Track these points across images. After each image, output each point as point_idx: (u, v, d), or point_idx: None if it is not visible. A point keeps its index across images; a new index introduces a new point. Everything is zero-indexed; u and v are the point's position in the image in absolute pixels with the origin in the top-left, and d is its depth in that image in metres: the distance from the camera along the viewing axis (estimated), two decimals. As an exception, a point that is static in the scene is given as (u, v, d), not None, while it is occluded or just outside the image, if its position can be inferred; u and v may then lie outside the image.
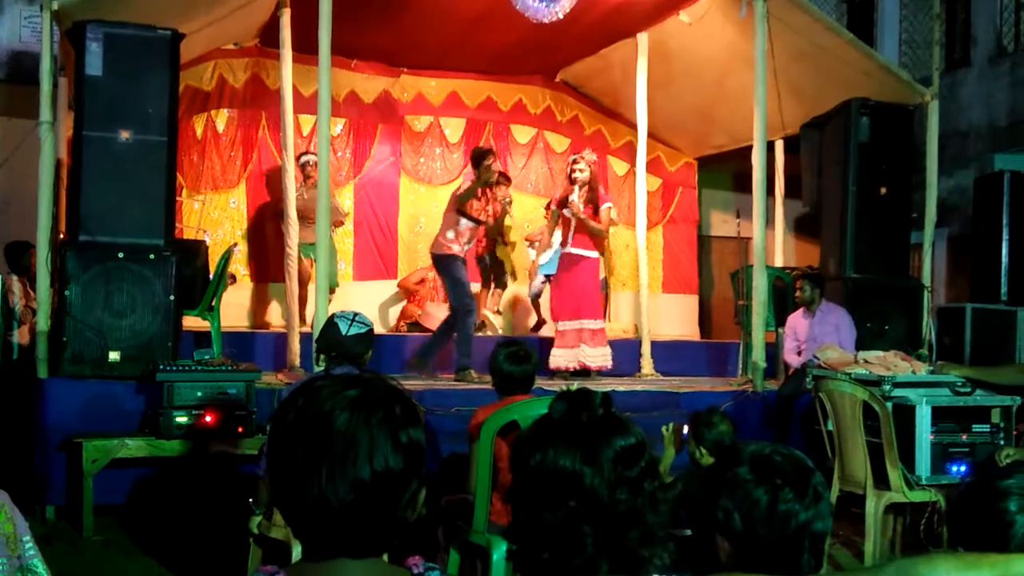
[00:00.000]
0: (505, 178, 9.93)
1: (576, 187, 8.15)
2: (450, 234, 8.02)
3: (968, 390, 5.74)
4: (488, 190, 8.67)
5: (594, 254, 8.28)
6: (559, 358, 8.14)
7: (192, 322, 7.54)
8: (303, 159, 8.97)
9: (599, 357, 8.19)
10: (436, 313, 9.77)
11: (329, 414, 1.46)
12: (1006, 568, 1.81)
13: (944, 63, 9.85)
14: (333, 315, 4.51)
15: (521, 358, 4.44)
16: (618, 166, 11.31)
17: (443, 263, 8.11)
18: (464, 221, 8.05)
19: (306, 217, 8.16)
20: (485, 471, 4.24)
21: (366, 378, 1.54)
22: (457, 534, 4.41)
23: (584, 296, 8.23)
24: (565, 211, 8.21)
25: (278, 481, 1.50)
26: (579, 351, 8.12)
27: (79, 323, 6.34)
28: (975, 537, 1.99)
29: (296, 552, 4.04)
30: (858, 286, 8.32)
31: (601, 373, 8.18)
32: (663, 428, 4.35)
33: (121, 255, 6.45)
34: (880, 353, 6.41)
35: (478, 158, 8.26)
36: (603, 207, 8.15)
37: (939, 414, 5.53)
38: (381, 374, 1.59)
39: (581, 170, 8.15)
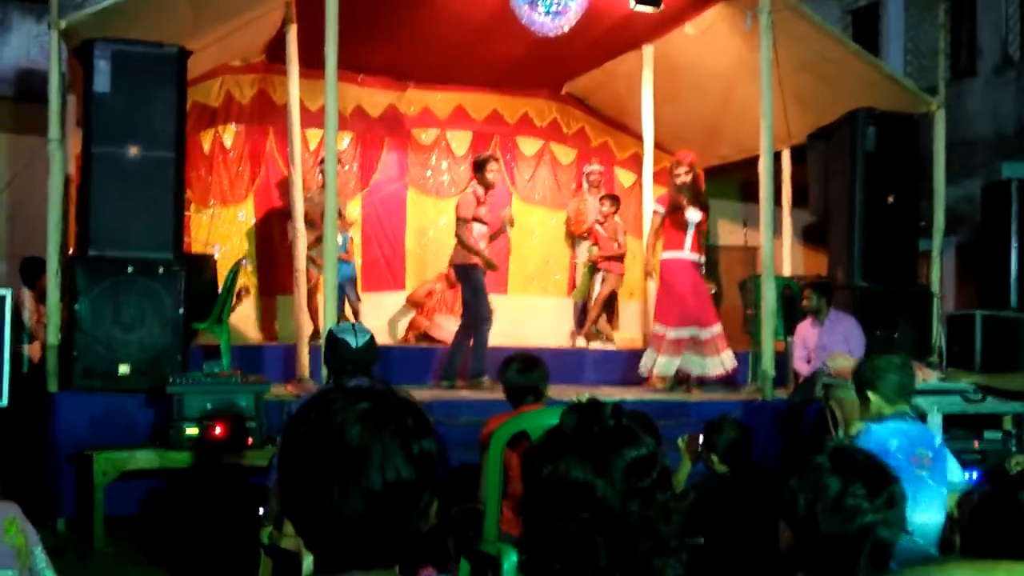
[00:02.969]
0: (613, 199, 10.06)
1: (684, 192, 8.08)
2: (468, 238, 8.10)
3: (979, 397, 5.74)
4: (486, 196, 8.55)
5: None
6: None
7: (201, 336, 7.56)
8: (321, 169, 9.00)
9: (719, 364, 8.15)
10: (445, 324, 9.79)
11: (341, 426, 1.47)
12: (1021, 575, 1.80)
13: (950, 72, 9.86)
14: (332, 331, 4.48)
15: (527, 368, 4.44)
16: (625, 177, 11.32)
17: (465, 272, 8.19)
18: (477, 227, 8.12)
19: (314, 221, 8.18)
20: (495, 481, 4.23)
21: (378, 390, 1.54)
22: (468, 544, 4.40)
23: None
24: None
25: (290, 492, 1.51)
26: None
27: (89, 337, 6.36)
28: (997, 549, 1.97)
29: (307, 563, 4.04)
30: (867, 294, 8.31)
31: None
32: (679, 440, 4.33)
33: (130, 269, 6.48)
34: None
35: (480, 164, 8.31)
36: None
37: (950, 421, 5.53)
38: (392, 385, 1.60)
39: (679, 175, 8.12)
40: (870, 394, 3.83)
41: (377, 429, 1.46)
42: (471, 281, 8.13)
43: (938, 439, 3.87)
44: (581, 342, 10.05)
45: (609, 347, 10.12)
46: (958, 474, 3.86)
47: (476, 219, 8.20)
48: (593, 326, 10.18)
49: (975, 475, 5.35)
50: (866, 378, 3.87)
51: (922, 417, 5.46)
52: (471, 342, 8.08)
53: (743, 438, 4.26)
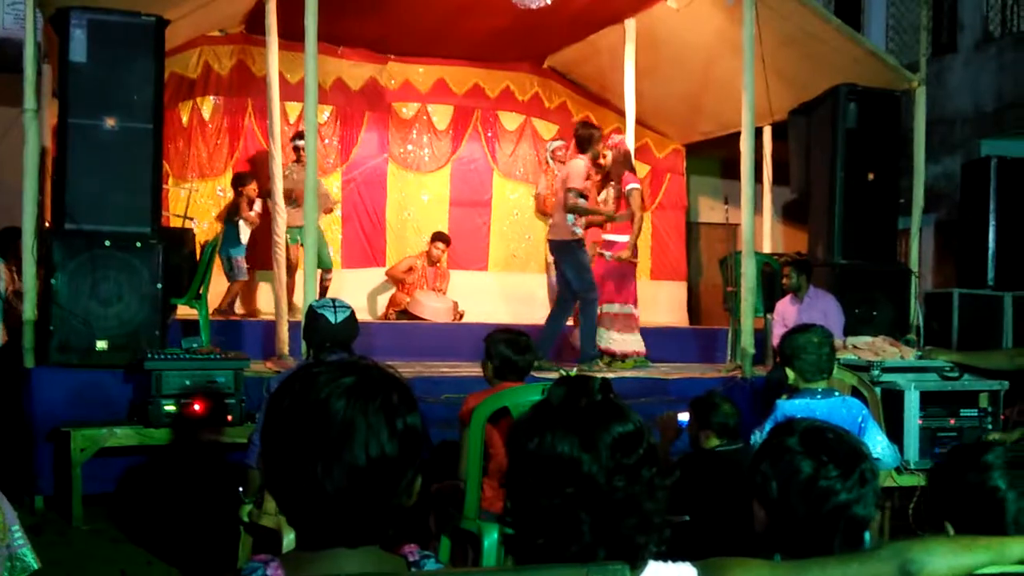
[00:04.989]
0: None
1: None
2: (571, 218, 7.81)
3: (956, 375, 5.78)
4: (599, 171, 8.37)
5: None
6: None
7: (180, 310, 7.50)
8: (297, 142, 8.91)
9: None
10: (425, 301, 9.77)
11: (326, 401, 1.45)
12: (1000, 551, 1.82)
13: (931, 49, 9.86)
14: (312, 307, 4.49)
15: (523, 347, 4.44)
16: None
17: (565, 249, 7.84)
18: (581, 202, 7.82)
19: (295, 199, 8.12)
20: (476, 458, 4.24)
21: (363, 365, 1.53)
22: (448, 521, 4.41)
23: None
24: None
25: (273, 468, 1.49)
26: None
27: (66, 312, 6.30)
28: (962, 514, 1.99)
29: (287, 540, 4.04)
30: (846, 272, 8.35)
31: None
32: (657, 418, 4.34)
33: (107, 243, 6.41)
34: (868, 339, 6.45)
35: (592, 140, 7.97)
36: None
37: (927, 399, 5.56)
38: (375, 361, 1.58)
39: (604, 156, 8.14)
40: (788, 370, 4.04)
41: (362, 404, 1.45)
42: (575, 258, 7.78)
43: (860, 416, 3.96)
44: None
45: None
46: (883, 451, 3.97)
47: (583, 194, 7.85)
48: None
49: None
50: (786, 354, 4.07)
51: (899, 394, 5.51)
52: (580, 323, 7.85)
53: (736, 412, 4.28)
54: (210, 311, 8.74)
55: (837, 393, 4.09)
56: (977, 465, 1.99)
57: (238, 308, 9.33)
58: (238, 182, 9.18)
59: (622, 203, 8.14)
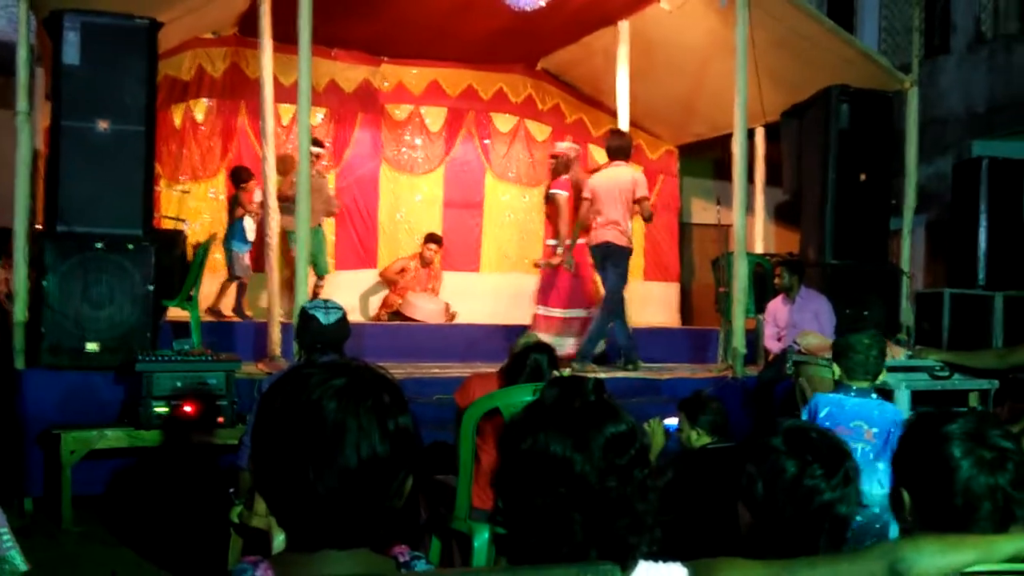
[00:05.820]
0: None
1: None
2: (630, 225, 8.05)
3: (946, 374, 5.79)
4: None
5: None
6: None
7: (171, 312, 7.49)
8: (314, 149, 8.85)
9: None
10: (417, 302, 9.77)
11: (318, 402, 1.45)
12: (988, 549, 1.82)
13: (923, 50, 9.89)
14: (304, 308, 4.49)
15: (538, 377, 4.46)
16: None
17: (621, 255, 8.01)
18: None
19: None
20: (467, 458, 4.24)
21: (354, 366, 1.53)
22: (439, 521, 4.41)
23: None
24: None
25: (264, 470, 1.49)
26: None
27: (57, 314, 6.29)
28: (917, 480, 2.00)
29: (277, 541, 4.03)
30: (837, 272, 8.37)
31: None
32: (645, 424, 4.34)
33: (99, 245, 6.40)
34: (859, 339, 6.44)
35: (629, 146, 8.32)
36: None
37: (918, 398, 5.57)
38: (367, 362, 1.58)
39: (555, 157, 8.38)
40: (834, 365, 4.16)
41: (353, 405, 1.45)
42: (624, 263, 8.04)
43: (894, 421, 3.95)
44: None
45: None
46: None
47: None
48: None
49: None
50: (836, 351, 4.19)
51: (890, 394, 5.52)
52: (607, 326, 8.05)
53: (724, 410, 4.30)
54: (225, 314, 8.77)
55: (875, 396, 4.12)
56: (937, 434, 1.99)
57: (247, 310, 9.28)
58: (241, 177, 9.17)
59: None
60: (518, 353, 4.55)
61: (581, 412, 1.62)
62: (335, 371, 1.50)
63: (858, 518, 3.46)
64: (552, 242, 8.44)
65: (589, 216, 8.05)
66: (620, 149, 8.21)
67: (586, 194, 8.17)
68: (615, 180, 8.01)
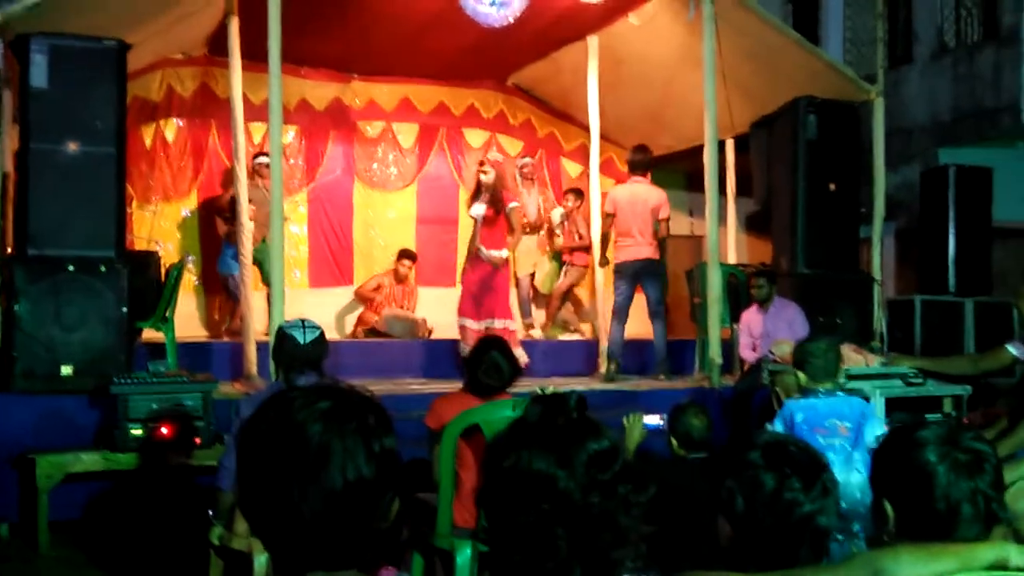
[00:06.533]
0: (577, 193, 10.39)
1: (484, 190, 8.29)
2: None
3: (920, 381, 5.85)
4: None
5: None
6: None
7: (147, 334, 7.44)
8: (256, 160, 8.86)
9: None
10: (393, 319, 9.75)
11: (302, 425, 1.45)
12: (968, 557, 1.84)
13: (887, 60, 10.03)
14: (281, 328, 4.48)
15: (498, 372, 4.46)
16: (572, 168, 11.37)
17: (660, 269, 8.68)
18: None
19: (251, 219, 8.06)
20: (448, 474, 4.24)
21: (338, 388, 1.53)
22: (421, 538, 4.40)
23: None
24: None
25: (249, 493, 1.49)
26: None
27: (29, 338, 6.23)
28: (897, 490, 2.02)
29: (258, 563, 4.02)
30: (809, 281, 8.44)
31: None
32: (624, 419, 4.40)
33: (71, 268, 6.36)
34: (832, 347, 6.50)
35: (653, 161, 8.82)
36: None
37: (892, 405, 5.63)
38: (346, 382, 1.58)
39: (485, 172, 8.31)
40: (799, 373, 4.51)
41: (338, 427, 1.46)
42: (664, 277, 8.76)
43: (861, 411, 4.37)
44: (537, 332, 10.14)
45: (576, 337, 10.26)
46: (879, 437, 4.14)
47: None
48: (557, 316, 10.31)
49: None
50: (797, 360, 4.56)
51: (865, 399, 5.58)
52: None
53: (704, 426, 4.32)
54: (222, 332, 8.68)
55: (840, 393, 4.50)
56: (911, 441, 2.02)
57: (203, 330, 9.23)
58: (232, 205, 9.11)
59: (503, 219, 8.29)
60: (474, 349, 4.63)
61: (564, 429, 1.64)
62: (320, 394, 1.50)
63: (843, 505, 3.63)
64: (497, 253, 8.30)
65: (611, 230, 8.52)
66: (641, 163, 8.66)
67: (608, 208, 8.54)
68: (640, 196, 8.47)
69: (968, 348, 8.72)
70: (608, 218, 8.52)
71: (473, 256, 8.34)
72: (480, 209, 8.22)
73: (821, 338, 4.79)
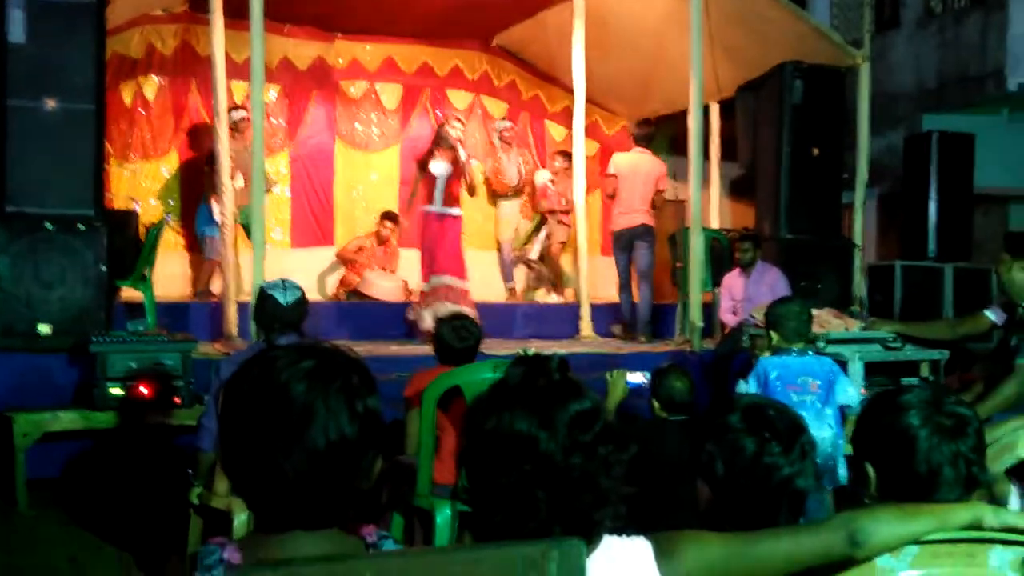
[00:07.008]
0: (566, 155, 10.20)
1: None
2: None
3: (898, 345, 5.90)
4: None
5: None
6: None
7: (126, 293, 7.40)
8: (233, 115, 8.72)
9: None
10: (376, 280, 9.73)
11: (286, 385, 1.45)
12: (944, 517, 1.86)
13: (874, 24, 10.00)
14: (262, 288, 4.47)
15: (465, 334, 4.46)
16: (556, 131, 11.31)
17: (652, 235, 8.86)
18: None
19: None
20: (428, 435, 4.25)
21: (322, 348, 1.53)
22: (400, 498, 4.42)
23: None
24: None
25: (232, 452, 1.49)
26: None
27: (8, 296, 6.18)
28: (879, 453, 2.03)
29: (238, 521, 4.02)
30: (792, 245, 8.47)
31: None
32: (607, 374, 4.45)
33: (49, 226, 6.30)
34: (814, 311, 6.54)
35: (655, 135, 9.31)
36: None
37: (871, 369, 5.69)
38: (327, 341, 1.58)
39: (454, 127, 8.36)
40: (772, 333, 4.69)
41: (322, 387, 1.45)
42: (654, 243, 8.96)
43: (831, 370, 4.57)
44: (542, 295, 10.44)
45: (556, 300, 10.33)
46: (850, 396, 4.53)
47: None
48: (550, 278, 10.44)
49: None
50: (770, 321, 4.73)
51: (844, 365, 5.62)
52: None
53: (687, 389, 4.34)
54: (215, 294, 8.62)
55: (811, 352, 4.71)
56: (894, 405, 2.03)
57: (215, 288, 9.17)
58: (209, 160, 9.02)
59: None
60: (437, 324, 4.70)
61: (545, 390, 1.64)
62: (303, 353, 1.50)
63: (817, 460, 3.69)
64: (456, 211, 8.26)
65: (610, 191, 8.96)
66: (644, 136, 9.11)
67: (611, 170, 8.98)
68: (641, 166, 8.85)
69: (947, 313, 8.79)
70: (611, 178, 8.88)
71: (429, 215, 8.22)
72: (444, 167, 8.14)
73: (795, 300, 4.99)
